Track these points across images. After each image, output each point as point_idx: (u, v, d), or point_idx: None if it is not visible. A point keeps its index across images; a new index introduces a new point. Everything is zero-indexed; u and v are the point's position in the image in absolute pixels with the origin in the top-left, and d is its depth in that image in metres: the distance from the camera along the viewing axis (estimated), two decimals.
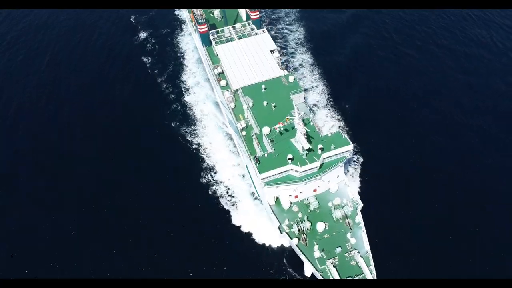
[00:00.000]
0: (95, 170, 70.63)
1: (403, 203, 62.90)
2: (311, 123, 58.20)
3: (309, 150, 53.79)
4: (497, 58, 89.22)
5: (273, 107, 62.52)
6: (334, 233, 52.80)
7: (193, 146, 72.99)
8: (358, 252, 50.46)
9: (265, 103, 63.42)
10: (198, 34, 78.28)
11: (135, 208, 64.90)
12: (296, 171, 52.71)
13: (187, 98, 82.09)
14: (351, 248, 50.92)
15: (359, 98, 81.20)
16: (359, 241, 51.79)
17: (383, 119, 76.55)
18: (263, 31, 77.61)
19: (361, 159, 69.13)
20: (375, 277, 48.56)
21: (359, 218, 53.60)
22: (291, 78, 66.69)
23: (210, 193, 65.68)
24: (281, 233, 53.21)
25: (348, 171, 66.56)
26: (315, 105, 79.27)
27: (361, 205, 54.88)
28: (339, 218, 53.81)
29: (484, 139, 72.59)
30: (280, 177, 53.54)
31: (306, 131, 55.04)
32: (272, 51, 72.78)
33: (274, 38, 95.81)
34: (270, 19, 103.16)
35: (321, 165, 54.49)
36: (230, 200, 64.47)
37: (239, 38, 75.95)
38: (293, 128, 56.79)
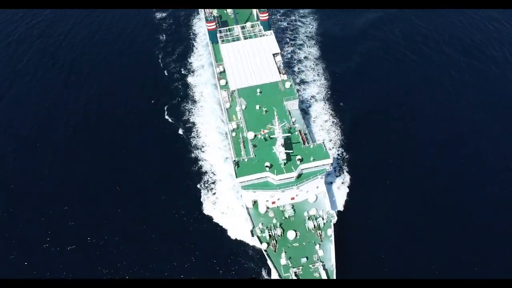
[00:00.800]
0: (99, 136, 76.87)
1: (386, 219, 62.64)
2: (296, 132, 59.03)
3: (287, 160, 54.88)
4: None
5: (264, 112, 63.64)
6: (304, 243, 53.99)
7: (187, 125, 76.65)
8: (324, 265, 51.49)
9: (257, 107, 64.49)
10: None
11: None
12: (272, 179, 53.98)
13: (190, 79, 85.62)
14: (318, 260, 52.01)
15: (358, 96, 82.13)
16: (327, 254, 52.79)
17: (379, 122, 76.62)
18: (270, 32, 78.30)
19: (350, 165, 68.81)
20: None
21: (331, 231, 54.48)
22: (287, 84, 67.33)
23: (193, 168, 69.22)
24: (253, 236, 54.85)
25: (334, 181, 66.71)
26: (313, 96, 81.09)
27: (335, 218, 55.63)
28: (311, 229, 54.87)
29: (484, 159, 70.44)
30: (257, 183, 54.93)
31: (289, 140, 56.05)
32: (275, 55, 73.48)
33: (285, 29, 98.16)
34: (285, 9, 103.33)
35: (300, 175, 55.49)
36: (212, 178, 67.62)
37: (246, 38, 76.95)
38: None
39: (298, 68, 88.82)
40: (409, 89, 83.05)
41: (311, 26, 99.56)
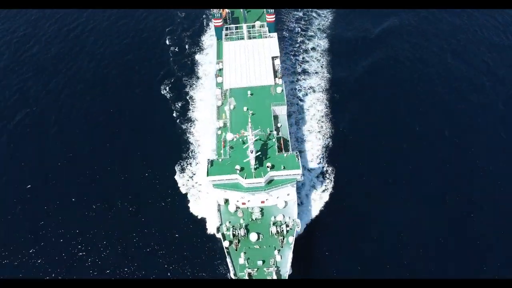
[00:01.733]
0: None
1: (359, 233, 63.67)
2: (274, 139, 60.65)
3: (259, 165, 56.89)
4: None
5: (250, 114, 65.52)
6: (264, 246, 56.48)
7: (186, 96, 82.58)
8: (278, 270, 53.74)
9: (245, 108, 66.48)
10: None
11: None
12: (242, 182, 56.32)
13: (197, 56, 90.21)
14: (274, 264, 54.41)
15: (356, 94, 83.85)
16: (284, 260, 55.16)
17: (370, 124, 77.99)
18: (274, 35, 78.88)
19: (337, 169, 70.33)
20: None
21: (292, 239, 56.62)
22: (278, 89, 68.67)
23: (181, 138, 75.42)
24: (218, 232, 57.74)
25: (316, 187, 68.05)
26: (312, 87, 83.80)
27: (299, 227, 57.67)
28: (274, 234, 57.07)
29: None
30: (228, 183, 57.51)
31: (265, 146, 58.03)
32: (274, 58, 74.58)
33: (300, 19, 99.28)
34: None
35: (271, 181, 57.47)
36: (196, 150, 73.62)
37: (250, 38, 78.34)
38: (257, 139, 59.95)
39: (303, 58, 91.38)
40: (412, 100, 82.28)
41: (326, 19, 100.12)
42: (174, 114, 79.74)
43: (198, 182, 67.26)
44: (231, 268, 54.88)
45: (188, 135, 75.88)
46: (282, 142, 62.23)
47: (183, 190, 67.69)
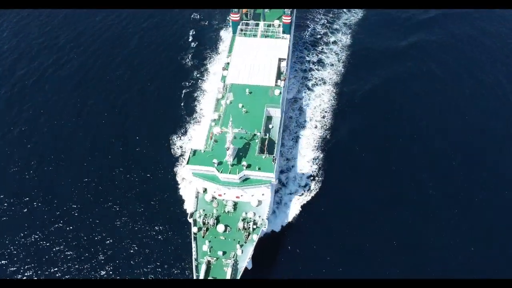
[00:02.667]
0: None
1: (327, 243, 65.93)
2: (257, 140, 62.89)
3: (237, 163, 59.64)
4: None
5: (243, 112, 67.92)
6: (229, 239, 59.67)
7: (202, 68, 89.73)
8: (236, 264, 56.96)
9: (240, 105, 68.93)
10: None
11: None
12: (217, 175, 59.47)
13: (222, 32, 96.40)
14: (233, 257, 57.66)
15: (366, 97, 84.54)
16: (244, 255, 58.55)
17: (371, 129, 79.20)
18: (287, 36, 79.60)
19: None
20: None
21: (256, 237, 59.48)
22: (276, 92, 70.36)
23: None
24: (190, 217, 61.51)
25: (299, 190, 70.83)
26: (323, 79, 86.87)
27: (266, 227, 60.45)
28: (241, 229, 60.08)
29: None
30: (206, 174, 60.81)
31: (247, 145, 60.63)
32: (281, 60, 75.97)
33: (328, 11, 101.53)
34: None
35: (247, 179, 60.16)
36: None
37: (263, 36, 79.95)
38: (241, 138, 62.64)
39: (322, 48, 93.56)
40: (420, 116, 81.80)
41: (355, 16, 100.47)
42: (187, 83, 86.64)
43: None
44: (193, 253, 58.86)
45: (195, 103, 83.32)
46: (266, 143, 64.40)
47: (178, 152, 74.58)
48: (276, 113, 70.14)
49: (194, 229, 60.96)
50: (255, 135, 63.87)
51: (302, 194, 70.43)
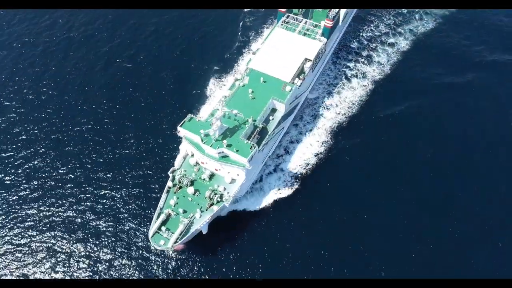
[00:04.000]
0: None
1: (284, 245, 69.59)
2: (247, 125, 67.59)
3: (222, 139, 65.40)
4: None
5: (250, 97, 72.60)
6: (194, 202, 66.57)
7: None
8: (189, 225, 63.89)
9: (250, 90, 73.52)
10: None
11: None
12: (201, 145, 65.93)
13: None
14: (190, 218, 64.59)
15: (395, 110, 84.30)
16: (200, 220, 64.83)
17: (385, 144, 79.79)
18: (323, 40, 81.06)
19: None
20: (170, 247, 62.33)
21: (216, 208, 65.36)
22: (287, 88, 73.54)
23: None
24: (169, 172, 69.25)
25: (284, 183, 74.82)
26: (364, 73, 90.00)
27: (228, 203, 65.85)
28: (207, 197, 66.59)
29: None
30: (193, 141, 67.49)
31: (237, 128, 66.14)
32: (307, 60, 78.22)
33: (398, 14, 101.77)
34: None
35: (226, 157, 65.86)
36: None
37: (301, 33, 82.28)
38: (234, 119, 68.06)
39: (376, 46, 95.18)
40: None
41: (425, 26, 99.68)
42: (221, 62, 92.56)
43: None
44: (161, 202, 66.83)
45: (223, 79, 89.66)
46: (256, 132, 68.93)
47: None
48: (281, 108, 73.69)
49: (169, 183, 68.71)
50: (247, 120, 68.72)
51: (284, 187, 74.64)
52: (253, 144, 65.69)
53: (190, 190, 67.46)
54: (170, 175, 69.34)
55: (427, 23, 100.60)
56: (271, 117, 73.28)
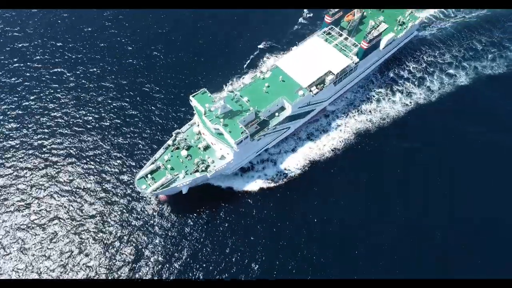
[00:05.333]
0: None
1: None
2: (247, 113, 73.64)
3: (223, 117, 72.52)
4: None
5: (265, 91, 78.43)
6: (183, 164, 74.81)
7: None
8: (171, 181, 72.30)
9: (266, 84, 79.20)
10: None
11: None
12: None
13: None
14: (174, 176, 72.91)
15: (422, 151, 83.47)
16: (181, 181, 72.73)
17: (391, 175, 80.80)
18: (355, 58, 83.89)
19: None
20: (148, 192, 71.37)
21: (198, 175, 72.89)
22: (300, 92, 77.91)
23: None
24: (173, 132, 77.89)
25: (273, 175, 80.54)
26: (409, 93, 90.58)
27: (209, 174, 73.00)
28: (195, 163, 74.51)
29: None
30: (199, 112, 75.21)
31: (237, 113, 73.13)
32: (329, 73, 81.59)
33: (469, 49, 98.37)
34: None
35: (221, 134, 72.96)
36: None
37: (337, 48, 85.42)
38: (240, 105, 74.77)
39: (433, 70, 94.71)
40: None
41: (494, 70, 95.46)
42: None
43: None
44: (157, 154, 75.90)
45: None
46: (254, 121, 74.71)
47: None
48: (288, 108, 78.58)
49: (170, 142, 77.62)
50: (250, 109, 74.87)
51: (269, 180, 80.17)
52: (244, 131, 71.93)
53: (184, 153, 75.73)
54: (173, 135, 78.26)
55: (497, 66, 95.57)
56: (277, 114, 78.57)
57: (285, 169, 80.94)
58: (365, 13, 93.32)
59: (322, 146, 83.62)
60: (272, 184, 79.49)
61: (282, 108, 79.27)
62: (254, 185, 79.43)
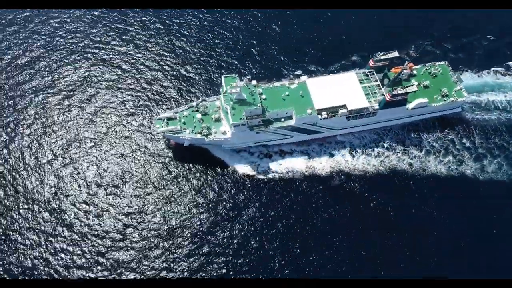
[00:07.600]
0: None
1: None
2: (255, 108, 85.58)
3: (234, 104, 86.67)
4: None
5: (282, 97, 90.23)
6: (194, 124, 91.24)
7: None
8: (178, 132, 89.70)
9: (287, 92, 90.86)
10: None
11: None
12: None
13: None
14: (182, 129, 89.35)
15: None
16: (185, 135, 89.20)
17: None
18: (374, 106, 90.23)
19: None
20: (158, 131, 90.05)
21: (197, 136, 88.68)
22: (308, 111, 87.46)
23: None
24: (201, 97, 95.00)
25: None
26: (421, 159, 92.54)
27: (206, 141, 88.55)
28: (201, 127, 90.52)
29: None
30: (224, 90, 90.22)
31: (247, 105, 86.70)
32: (343, 107, 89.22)
33: (489, 139, 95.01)
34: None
35: (227, 113, 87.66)
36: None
37: (364, 88, 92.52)
38: (254, 98, 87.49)
39: (448, 146, 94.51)
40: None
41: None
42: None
43: None
44: (181, 108, 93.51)
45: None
46: (261, 117, 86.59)
47: None
48: (294, 120, 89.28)
49: (194, 103, 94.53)
50: (258, 106, 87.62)
51: (262, 172, 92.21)
52: (244, 119, 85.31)
53: (199, 116, 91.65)
54: (200, 99, 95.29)
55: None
56: (282, 120, 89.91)
57: (275, 168, 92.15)
58: (415, 72, 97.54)
59: (319, 164, 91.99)
60: (260, 176, 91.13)
61: (290, 117, 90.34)
62: (242, 167, 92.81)
